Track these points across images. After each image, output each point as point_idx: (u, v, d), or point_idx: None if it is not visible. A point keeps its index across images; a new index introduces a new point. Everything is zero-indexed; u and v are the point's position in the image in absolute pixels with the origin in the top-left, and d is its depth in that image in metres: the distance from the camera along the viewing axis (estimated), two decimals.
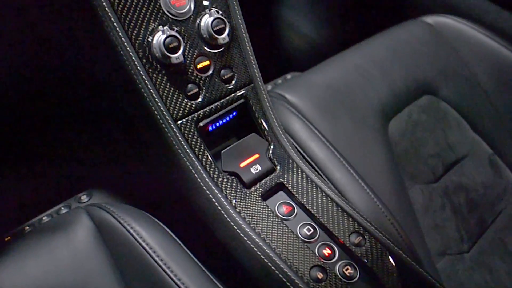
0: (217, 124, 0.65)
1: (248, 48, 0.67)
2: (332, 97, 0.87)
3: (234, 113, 0.67)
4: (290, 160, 0.67)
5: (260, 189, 0.63)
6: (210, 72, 0.63)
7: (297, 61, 1.36)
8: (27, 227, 0.79)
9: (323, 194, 0.65)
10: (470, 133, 0.98)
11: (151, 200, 0.73)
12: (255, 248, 0.59)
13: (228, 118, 0.66)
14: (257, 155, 0.66)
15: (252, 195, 0.63)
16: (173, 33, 0.58)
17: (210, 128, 0.65)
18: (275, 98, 0.83)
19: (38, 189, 0.87)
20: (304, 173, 0.66)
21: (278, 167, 0.66)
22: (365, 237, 0.61)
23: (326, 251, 0.60)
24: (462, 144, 0.96)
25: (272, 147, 0.67)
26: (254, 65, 0.67)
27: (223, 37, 0.62)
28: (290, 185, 0.65)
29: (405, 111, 0.92)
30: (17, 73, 0.94)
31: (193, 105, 0.62)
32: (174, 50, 0.58)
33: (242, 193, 0.62)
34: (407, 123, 0.91)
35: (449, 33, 1.05)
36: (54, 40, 0.81)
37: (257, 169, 0.65)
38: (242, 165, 0.64)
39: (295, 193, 0.64)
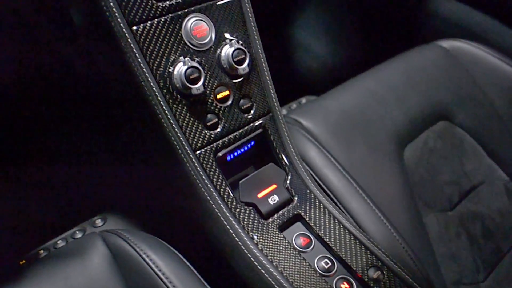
0: (235, 154, 0.65)
1: (267, 77, 0.67)
2: (347, 123, 0.86)
3: (252, 143, 0.66)
4: (308, 191, 0.67)
5: (278, 220, 0.63)
6: (230, 102, 0.63)
7: (311, 83, 1.36)
8: (42, 251, 0.79)
9: (341, 226, 0.64)
10: (486, 159, 0.97)
11: (167, 226, 0.73)
12: (272, 282, 0.58)
13: (246, 148, 0.66)
14: (274, 186, 0.65)
15: (270, 227, 0.62)
16: (194, 64, 0.59)
17: (228, 158, 0.64)
18: (290, 124, 0.83)
19: (53, 210, 0.87)
20: (321, 204, 0.66)
21: (296, 198, 0.66)
22: (383, 271, 0.61)
23: (344, 286, 0.59)
24: (478, 171, 0.95)
25: (289, 177, 0.67)
26: (272, 95, 0.67)
27: (243, 68, 0.62)
28: (307, 216, 0.64)
29: (420, 138, 0.92)
30: (33, 90, 0.95)
31: (212, 135, 0.62)
32: (195, 81, 0.58)
33: (260, 224, 0.62)
34: (422, 150, 0.91)
35: (465, 57, 1.04)
36: (74, 63, 0.82)
37: (274, 200, 0.64)
38: (259, 195, 0.64)
39: (312, 224, 0.64)
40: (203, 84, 0.59)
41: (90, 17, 0.59)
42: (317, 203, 0.66)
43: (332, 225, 0.64)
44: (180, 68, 0.58)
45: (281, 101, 0.70)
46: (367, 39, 1.33)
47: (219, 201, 0.61)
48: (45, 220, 0.85)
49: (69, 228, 0.80)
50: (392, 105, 0.92)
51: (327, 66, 1.36)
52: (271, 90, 0.67)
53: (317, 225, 0.64)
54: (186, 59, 0.59)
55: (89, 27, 0.61)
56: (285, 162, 0.67)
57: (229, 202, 0.62)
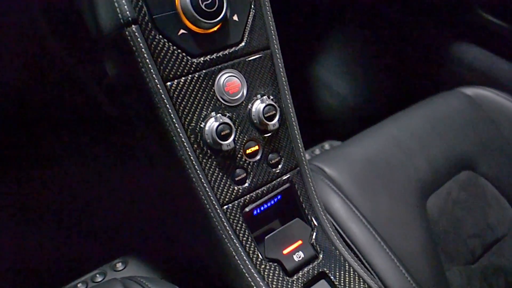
0: (262, 208, 0.65)
1: (296, 132, 0.67)
2: (371, 172, 0.86)
3: (279, 197, 0.66)
4: (333, 247, 0.66)
5: (302, 278, 0.62)
6: (258, 157, 0.63)
7: (332, 122, 1.36)
8: None
9: (366, 285, 0.63)
10: (510, 211, 0.95)
11: (188, 275, 0.72)
12: None
13: (272, 202, 0.66)
14: (300, 242, 0.64)
15: (294, 285, 0.61)
16: (226, 120, 0.59)
17: (255, 212, 0.64)
18: (314, 172, 0.83)
19: (73, 250, 0.87)
20: (346, 262, 0.65)
21: (321, 255, 0.65)
22: None
23: None
24: (501, 223, 0.93)
25: (315, 233, 0.66)
26: (301, 149, 0.67)
27: (274, 123, 0.62)
28: (332, 275, 0.63)
29: (444, 188, 0.91)
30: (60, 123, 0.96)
31: (240, 190, 0.62)
32: (226, 137, 0.58)
33: (284, 282, 0.61)
34: (446, 201, 0.90)
35: (489, 106, 1.04)
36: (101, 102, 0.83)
37: (299, 257, 0.63)
38: (285, 252, 0.63)
39: (337, 283, 0.63)
40: (234, 139, 0.59)
41: (124, 70, 0.60)
42: (342, 261, 0.65)
43: (357, 285, 0.63)
44: (211, 124, 0.58)
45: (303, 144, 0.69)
46: (390, 80, 1.33)
47: (244, 257, 0.61)
48: (64, 260, 0.85)
49: (89, 270, 0.79)
50: (416, 154, 0.91)
51: (348, 105, 1.36)
52: (299, 145, 0.67)
53: (342, 283, 0.63)
54: (218, 115, 0.59)
55: (122, 79, 0.62)
56: (310, 218, 0.67)
57: (254, 258, 0.61)
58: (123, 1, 0.53)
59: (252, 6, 0.62)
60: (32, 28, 0.80)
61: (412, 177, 0.88)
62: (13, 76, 0.89)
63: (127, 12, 0.54)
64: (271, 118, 0.62)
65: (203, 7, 0.56)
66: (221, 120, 0.58)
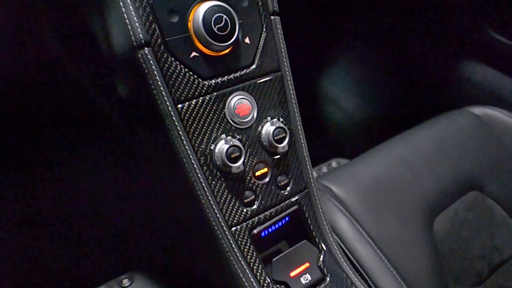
0: (269, 230, 0.64)
1: (305, 154, 0.67)
2: (378, 192, 0.86)
3: (287, 218, 0.66)
4: (340, 270, 0.66)
5: None
6: (267, 179, 0.63)
7: (339, 138, 1.36)
8: None
9: None
10: None
11: None
12: None
13: (280, 224, 0.65)
14: (307, 264, 0.64)
15: None
16: (236, 142, 0.59)
17: (262, 234, 0.64)
18: (321, 191, 0.83)
19: (79, 263, 0.87)
20: (353, 286, 0.65)
21: (328, 278, 0.65)
22: None
23: None
24: (508, 244, 0.93)
25: (322, 255, 0.66)
26: (309, 171, 0.67)
27: (283, 146, 0.63)
28: None
29: (451, 209, 0.91)
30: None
31: (248, 212, 0.62)
32: (236, 159, 0.58)
33: None
34: (453, 221, 0.89)
35: (497, 125, 1.04)
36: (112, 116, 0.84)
37: (307, 279, 0.63)
38: (292, 274, 0.63)
39: None
40: (243, 162, 0.59)
41: (136, 91, 0.60)
42: (349, 284, 0.65)
43: None
44: (221, 147, 0.59)
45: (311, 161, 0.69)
46: (397, 96, 1.33)
47: (252, 279, 0.61)
48: (69, 274, 0.85)
49: (95, 286, 0.79)
50: (423, 174, 0.91)
51: (356, 121, 1.36)
52: (308, 166, 0.67)
53: None
54: (228, 137, 0.59)
55: (133, 100, 0.62)
56: (318, 240, 0.67)
57: (261, 280, 0.61)
58: (137, 24, 0.54)
59: (264, 28, 0.63)
60: (42, 41, 0.81)
61: (419, 197, 0.88)
62: (16, 79, 0.89)
63: (140, 35, 0.54)
64: (280, 141, 0.62)
65: (216, 30, 0.57)
66: (231, 142, 0.59)
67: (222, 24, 0.57)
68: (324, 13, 1.31)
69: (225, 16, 0.57)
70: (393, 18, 1.28)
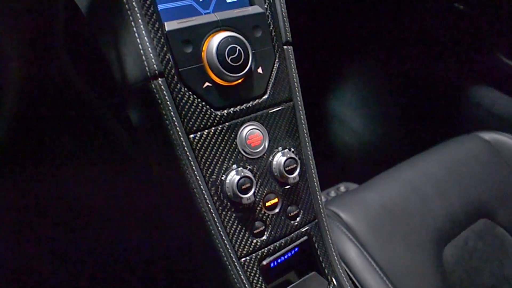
0: (279, 261, 0.64)
1: (315, 184, 0.66)
2: (387, 219, 0.85)
3: (296, 249, 0.65)
4: None
5: None
6: (277, 210, 0.62)
7: (347, 159, 1.36)
8: None
9: None
10: None
11: None
12: None
13: (289, 254, 0.65)
14: None
15: None
16: (247, 173, 0.58)
17: (272, 265, 0.63)
18: (330, 217, 0.82)
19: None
20: None
21: None
22: None
23: None
24: None
25: (331, 287, 0.65)
26: (319, 201, 0.67)
27: (294, 177, 0.62)
28: None
29: (461, 237, 0.90)
30: None
31: (258, 243, 0.61)
32: (246, 190, 0.58)
33: None
34: (463, 250, 0.88)
35: (507, 151, 1.03)
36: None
37: None
38: None
39: None
40: (254, 193, 0.59)
41: (148, 120, 0.60)
42: None
43: None
44: (232, 177, 0.58)
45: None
46: (407, 119, 1.33)
47: None
48: None
49: None
50: (433, 200, 0.90)
51: (364, 142, 1.35)
52: (318, 197, 0.67)
53: None
54: (239, 168, 0.59)
55: (145, 128, 0.62)
56: (328, 271, 0.66)
57: None
58: (151, 54, 0.54)
59: (277, 59, 0.63)
60: (54, 59, 0.81)
61: (429, 225, 0.87)
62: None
63: (154, 66, 0.54)
64: (291, 172, 0.62)
65: (229, 61, 0.56)
66: (242, 173, 0.58)
67: (235, 55, 0.57)
68: (335, 35, 1.31)
69: (238, 47, 0.57)
70: (403, 41, 1.28)
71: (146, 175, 0.83)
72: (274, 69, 0.62)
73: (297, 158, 0.62)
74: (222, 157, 0.59)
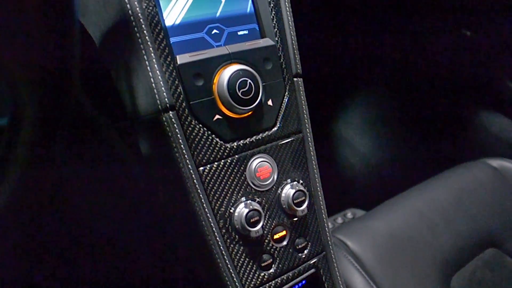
0: None
1: (323, 216, 0.66)
2: (394, 248, 0.84)
3: (303, 282, 0.65)
4: None
5: None
6: (285, 242, 0.62)
7: (354, 183, 1.35)
8: None
9: None
10: None
11: None
12: None
13: (297, 287, 0.64)
14: None
15: None
16: (256, 206, 0.58)
17: None
18: (337, 246, 0.82)
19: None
20: None
21: None
22: None
23: None
24: None
25: None
26: (327, 233, 0.66)
27: (302, 209, 0.62)
28: None
29: (468, 267, 0.89)
30: None
31: (265, 276, 0.61)
32: (255, 224, 0.58)
33: None
34: (471, 280, 0.87)
35: None
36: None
37: None
38: None
39: None
40: (262, 226, 0.59)
41: (158, 152, 0.60)
42: None
43: None
44: (241, 210, 0.58)
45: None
46: (413, 143, 1.32)
47: None
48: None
49: None
50: (440, 229, 0.90)
51: (370, 165, 1.35)
52: (326, 228, 0.66)
53: None
54: (248, 201, 0.59)
55: (155, 158, 0.62)
56: None
57: None
58: (163, 88, 0.54)
59: (287, 91, 0.63)
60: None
61: (436, 255, 0.86)
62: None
63: (166, 99, 0.54)
64: (300, 204, 0.62)
65: (240, 94, 0.57)
66: (251, 206, 0.58)
67: (246, 88, 0.57)
68: (343, 60, 1.32)
69: (249, 80, 0.57)
70: (410, 66, 1.28)
71: (152, 200, 0.83)
72: (284, 101, 0.63)
73: (305, 190, 0.62)
74: (231, 190, 0.59)
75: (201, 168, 0.57)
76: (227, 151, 0.58)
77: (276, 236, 0.61)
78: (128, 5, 0.53)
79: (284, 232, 0.62)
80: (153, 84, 0.54)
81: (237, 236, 0.59)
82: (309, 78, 0.65)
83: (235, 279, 0.59)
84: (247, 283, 0.60)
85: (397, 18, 1.21)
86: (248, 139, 0.60)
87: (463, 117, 1.21)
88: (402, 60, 1.30)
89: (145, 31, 0.53)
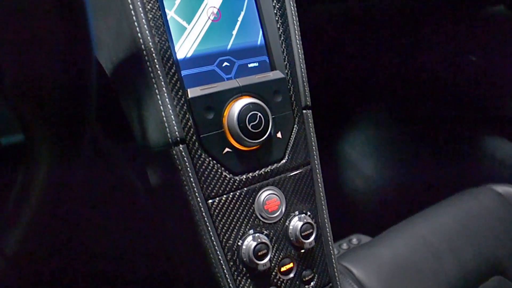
0: None
1: (330, 247, 0.66)
2: (400, 276, 0.84)
3: None
4: None
5: None
6: (292, 275, 0.62)
7: (359, 206, 1.35)
8: None
9: None
10: None
11: None
12: None
13: None
14: None
15: None
16: (263, 239, 0.58)
17: None
18: (342, 274, 0.81)
19: None
20: None
21: None
22: None
23: None
24: None
25: None
26: (334, 265, 0.66)
27: (310, 242, 0.62)
28: None
29: None
30: None
31: None
32: (263, 257, 0.58)
33: None
34: None
35: None
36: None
37: None
38: None
39: None
40: (270, 259, 0.59)
41: (167, 184, 0.61)
42: None
43: None
44: (249, 243, 0.58)
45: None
46: (418, 166, 1.32)
47: None
48: None
49: None
50: (446, 257, 0.89)
51: (375, 188, 1.35)
52: (333, 260, 0.66)
53: None
54: (256, 234, 0.59)
55: (163, 189, 0.62)
56: None
57: None
58: (173, 121, 0.55)
59: (296, 123, 0.63)
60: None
61: (441, 283, 0.86)
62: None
63: (176, 133, 0.55)
64: (308, 237, 0.62)
65: (250, 127, 0.57)
66: (259, 239, 0.58)
67: (256, 121, 0.57)
68: (348, 81, 1.33)
69: (259, 114, 0.58)
70: (416, 89, 1.29)
71: (159, 227, 0.83)
72: (293, 133, 0.63)
73: (313, 222, 0.62)
74: (239, 223, 0.59)
75: (210, 201, 0.57)
76: (236, 183, 0.59)
77: (283, 269, 0.61)
78: (141, 40, 0.53)
79: (291, 264, 0.62)
80: (164, 118, 0.55)
81: (244, 269, 0.59)
82: (313, 100, 0.65)
83: None
84: None
85: (402, 42, 1.22)
86: (256, 172, 0.60)
87: (469, 142, 1.21)
88: (407, 84, 1.30)
89: (157, 66, 0.54)
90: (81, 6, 0.37)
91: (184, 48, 0.58)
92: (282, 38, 0.63)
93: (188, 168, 0.56)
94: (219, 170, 0.57)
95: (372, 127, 1.43)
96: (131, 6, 0.53)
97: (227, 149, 0.58)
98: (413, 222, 0.96)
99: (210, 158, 0.57)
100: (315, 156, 0.65)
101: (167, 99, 0.54)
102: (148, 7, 0.54)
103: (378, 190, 1.34)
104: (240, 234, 0.59)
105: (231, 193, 0.58)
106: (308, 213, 0.64)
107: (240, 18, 0.62)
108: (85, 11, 0.37)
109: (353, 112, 1.42)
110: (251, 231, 0.59)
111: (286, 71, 0.63)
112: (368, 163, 1.38)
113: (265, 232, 0.60)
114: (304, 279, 0.63)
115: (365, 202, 1.34)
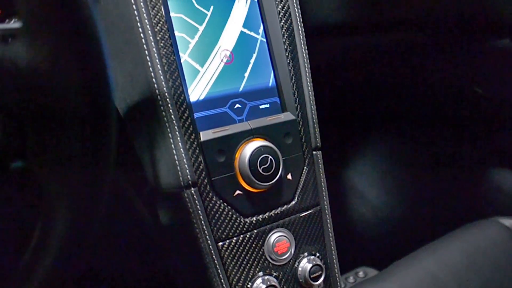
0: None
1: (338, 287, 0.66)
2: None
3: None
4: None
5: None
6: None
7: (365, 235, 1.35)
8: None
9: None
10: None
11: None
12: None
13: None
14: None
15: None
16: (273, 282, 0.59)
17: None
18: None
19: None
20: None
21: None
22: None
23: None
24: None
25: None
26: None
27: (319, 284, 0.62)
28: None
29: None
30: None
31: None
32: None
33: None
34: None
35: None
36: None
37: None
38: None
39: None
40: None
41: (177, 225, 0.61)
42: None
43: None
44: (258, 286, 0.58)
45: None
46: (425, 197, 1.32)
47: None
48: None
49: None
50: None
51: (381, 217, 1.35)
52: None
53: None
54: (266, 276, 0.59)
55: (173, 229, 0.63)
56: None
57: None
58: (186, 165, 0.55)
59: (306, 165, 0.64)
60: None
61: None
62: None
63: (188, 176, 0.55)
64: (316, 279, 0.62)
65: (261, 170, 0.58)
66: (268, 282, 0.58)
67: (267, 164, 0.58)
68: (355, 110, 1.34)
69: (270, 157, 0.58)
70: (422, 119, 1.30)
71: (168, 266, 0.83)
72: (303, 175, 0.63)
73: (322, 263, 0.63)
74: (249, 265, 0.59)
75: (220, 243, 0.58)
76: (246, 225, 0.59)
77: None
78: (155, 85, 0.54)
79: None
80: (177, 161, 0.55)
81: None
82: (321, 126, 0.65)
83: None
84: None
85: (408, 74, 1.23)
86: (267, 213, 0.60)
87: (475, 174, 1.21)
88: (414, 113, 1.31)
89: (171, 110, 0.55)
90: (99, 51, 0.38)
91: (197, 91, 0.58)
92: (293, 79, 0.64)
93: (200, 211, 0.56)
94: (230, 213, 0.58)
95: (379, 156, 1.43)
96: (146, 52, 0.54)
97: (237, 192, 0.58)
98: (420, 256, 0.95)
99: (221, 201, 0.57)
100: (324, 197, 0.66)
101: (180, 143, 0.55)
102: (163, 52, 0.55)
103: (384, 219, 1.34)
104: (250, 276, 0.59)
105: (241, 235, 0.59)
106: (317, 254, 0.64)
107: (252, 61, 0.63)
108: (103, 55, 0.38)
109: (361, 140, 1.43)
110: (261, 273, 0.59)
111: (297, 113, 0.63)
112: (376, 192, 1.38)
113: (274, 274, 0.60)
114: None
115: (372, 232, 1.34)
